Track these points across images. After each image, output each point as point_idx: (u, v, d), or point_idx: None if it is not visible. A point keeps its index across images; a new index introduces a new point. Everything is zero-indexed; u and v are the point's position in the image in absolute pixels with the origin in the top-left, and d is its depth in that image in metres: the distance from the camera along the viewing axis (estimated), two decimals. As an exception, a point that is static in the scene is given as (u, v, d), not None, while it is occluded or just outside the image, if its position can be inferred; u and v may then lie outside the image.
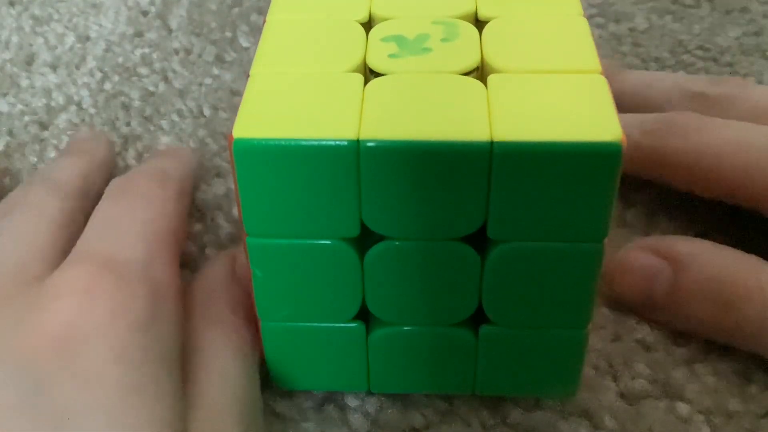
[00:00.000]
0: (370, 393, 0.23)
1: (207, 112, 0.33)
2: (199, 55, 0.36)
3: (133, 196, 0.24)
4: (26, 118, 0.33)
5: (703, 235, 0.26)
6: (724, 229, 0.27)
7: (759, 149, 0.25)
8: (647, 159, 0.27)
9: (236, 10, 0.39)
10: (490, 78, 0.19)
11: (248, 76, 0.20)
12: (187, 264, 0.27)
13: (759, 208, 0.25)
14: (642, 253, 0.25)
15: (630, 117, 0.28)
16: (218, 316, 0.23)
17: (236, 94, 0.34)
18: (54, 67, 0.36)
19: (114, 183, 0.25)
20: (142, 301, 0.20)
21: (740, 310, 0.23)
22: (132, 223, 0.23)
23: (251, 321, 0.23)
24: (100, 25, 0.39)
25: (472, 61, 0.20)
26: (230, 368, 0.21)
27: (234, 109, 0.33)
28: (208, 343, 0.22)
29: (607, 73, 0.31)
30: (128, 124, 0.33)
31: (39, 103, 0.34)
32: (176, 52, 0.37)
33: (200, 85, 0.35)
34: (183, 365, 0.21)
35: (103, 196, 0.24)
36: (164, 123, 0.33)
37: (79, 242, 0.22)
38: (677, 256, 0.24)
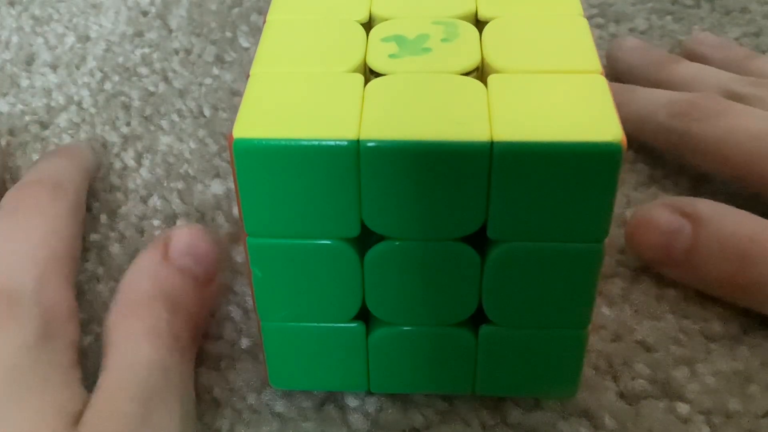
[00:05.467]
0: (370, 393, 0.23)
1: (207, 112, 0.33)
2: (199, 55, 0.36)
3: (25, 215, 0.25)
4: (27, 118, 0.33)
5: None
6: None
7: None
8: (671, 141, 0.28)
9: (236, 10, 0.39)
10: (490, 78, 0.19)
11: (248, 76, 0.20)
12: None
13: None
14: (663, 211, 0.25)
15: (658, 94, 0.29)
16: (134, 304, 0.23)
17: (236, 94, 0.34)
18: (54, 67, 0.36)
19: (6, 198, 0.25)
20: (32, 325, 0.21)
21: (757, 268, 0.23)
22: (23, 247, 0.23)
23: (179, 301, 0.23)
24: (100, 25, 0.39)
25: (472, 61, 0.20)
26: (140, 353, 0.21)
27: (234, 109, 0.33)
28: (121, 332, 0.22)
29: (661, 62, 0.32)
30: (128, 124, 0.33)
31: (39, 103, 0.34)
32: (176, 52, 0.37)
33: (200, 85, 0.35)
34: (103, 356, 0.22)
35: None
36: (164, 123, 0.33)
37: None
38: (697, 214, 0.25)
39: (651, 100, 0.29)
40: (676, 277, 0.26)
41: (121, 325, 0.22)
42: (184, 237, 0.24)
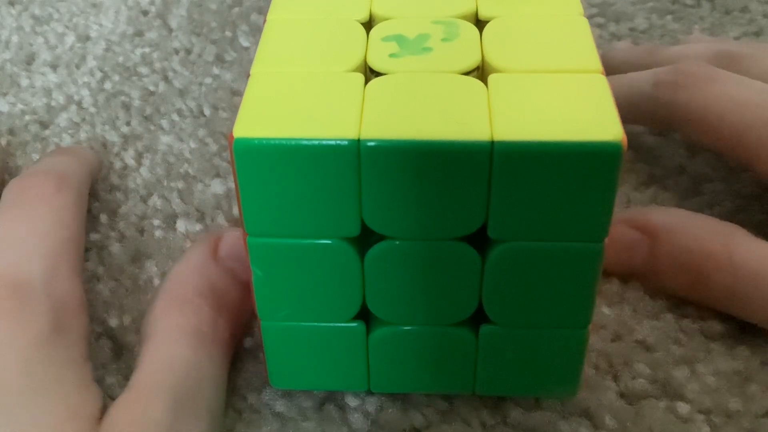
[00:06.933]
0: (370, 393, 0.23)
1: (207, 111, 0.33)
2: (199, 55, 0.36)
3: (30, 205, 0.24)
4: (27, 118, 0.33)
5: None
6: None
7: (757, 106, 0.25)
8: (657, 111, 0.28)
9: (236, 10, 0.39)
10: (491, 78, 0.19)
11: (248, 76, 0.20)
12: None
13: (754, 166, 0.26)
14: (621, 227, 0.26)
15: (644, 72, 0.29)
16: (181, 299, 0.22)
17: (236, 94, 0.34)
18: (54, 67, 0.36)
19: (10, 187, 0.25)
20: (44, 317, 0.21)
21: (710, 279, 0.24)
22: (30, 237, 0.23)
23: (224, 302, 0.23)
24: (100, 25, 0.39)
25: (473, 61, 0.20)
26: (178, 353, 0.21)
27: (234, 109, 0.33)
28: (163, 327, 0.22)
29: (652, 50, 0.32)
30: (128, 123, 0.33)
31: (39, 102, 0.34)
32: (176, 51, 0.37)
33: (200, 84, 0.35)
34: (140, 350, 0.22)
35: (0, 204, 0.25)
36: (164, 123, 0.33)
37: None
38: (652, 228, 0.25)
39: (637, 76, 0.29)
40: (644, 286, 0.26)
41: (163, 319, 0.22)
42: (234, 240, 0.24)
